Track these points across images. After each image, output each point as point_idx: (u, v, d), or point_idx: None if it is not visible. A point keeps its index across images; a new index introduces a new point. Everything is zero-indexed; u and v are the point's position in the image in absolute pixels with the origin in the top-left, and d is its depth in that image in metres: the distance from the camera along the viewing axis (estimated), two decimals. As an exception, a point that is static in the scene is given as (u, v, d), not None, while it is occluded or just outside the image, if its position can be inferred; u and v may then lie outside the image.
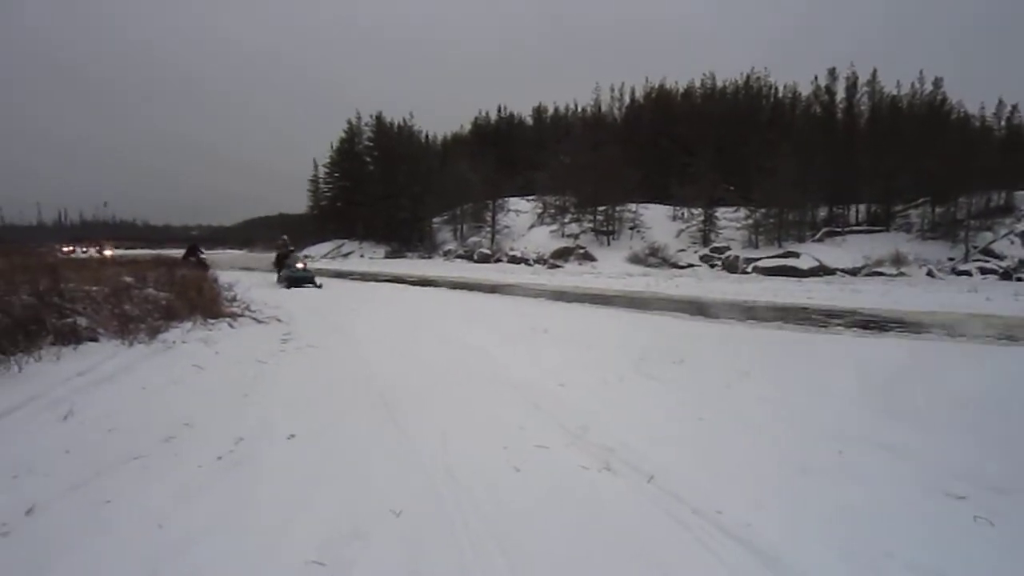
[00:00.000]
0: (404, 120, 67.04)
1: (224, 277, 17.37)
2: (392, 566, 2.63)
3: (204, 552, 2.72)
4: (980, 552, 2.83)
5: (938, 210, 38.43)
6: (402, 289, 21.70)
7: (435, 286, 23.05)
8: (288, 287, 19.01)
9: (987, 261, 32.28)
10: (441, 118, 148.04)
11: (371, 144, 65.67)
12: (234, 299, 12.57)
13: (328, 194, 69.33)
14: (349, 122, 67.35)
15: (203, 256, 26.58)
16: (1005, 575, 2.70)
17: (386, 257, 55.32)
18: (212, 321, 9.86)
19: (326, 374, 6.55)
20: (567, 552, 2.77)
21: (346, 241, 61.54)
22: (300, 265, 20.81)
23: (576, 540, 2.89)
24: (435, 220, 57.62)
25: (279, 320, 10.76)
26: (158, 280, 12.04)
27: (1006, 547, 2.87)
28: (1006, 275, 30.32)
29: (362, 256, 56.45)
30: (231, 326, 9.79)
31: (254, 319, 10.69)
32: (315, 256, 56.59)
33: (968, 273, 31.27)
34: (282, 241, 25.20)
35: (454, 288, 22.49)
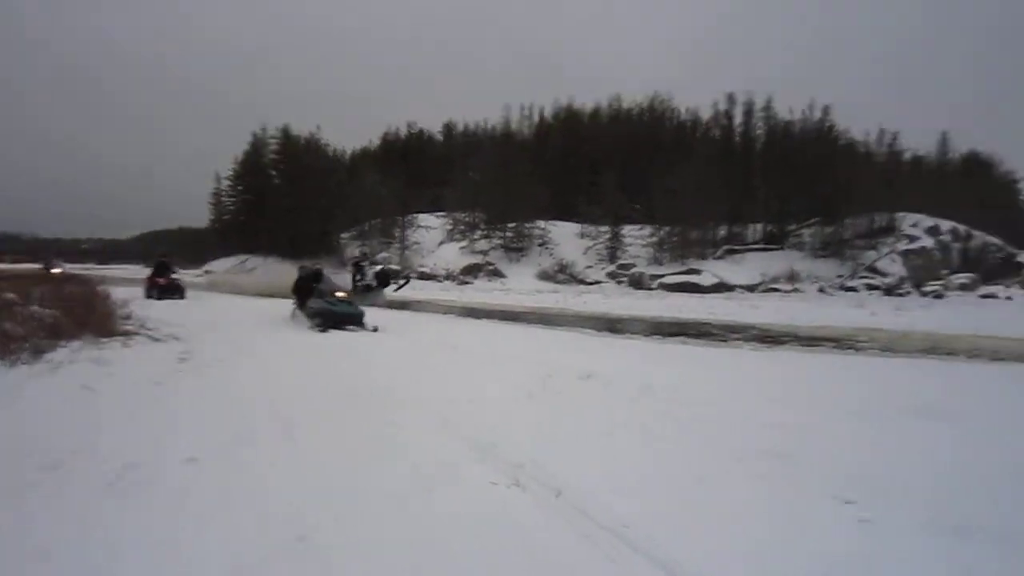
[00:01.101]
0: (311, 133, 65.79)
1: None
2: (296, 593, 2.55)
3: (92, 586, 2.57)
4: (862, 551, 2.99)
5: (828, 230, 40.85)
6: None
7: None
8: (322, 329, 12.27)
9: (872, 278, 34.62)
10: (350, 132, 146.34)
11: (277, 157, 63.97)
12: (128, 316, 11.98)
13: (231, 208, 67.07)
14: (254, 134, 65.44)
15: (176, 278, 22.42)
16: (885, 572, 2.85)
17: (292, 273, 53.82)
18: (104, 340, 9.34)
19: (225, 394, 6.31)
20: (475, 571, 2.76)
21: (250, 256, 59.60)
22: (341, 294, 13.64)
23: (484, 558, 2.87)
24: (343, 235, 56.79)
25: (177, 338, 10.31)
26: (43, 297, 11.38)
27: (886, 546, 3.04)
28: (888, 291, 32.59)
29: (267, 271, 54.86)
30: (125, 345, 9.31)
31: (151, 337, 10.21)
32: (217, 271, 54.75)
33: (855, 289, 33.43)
34: (359, 253, 18.12)
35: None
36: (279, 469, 4.02)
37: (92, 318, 10.34)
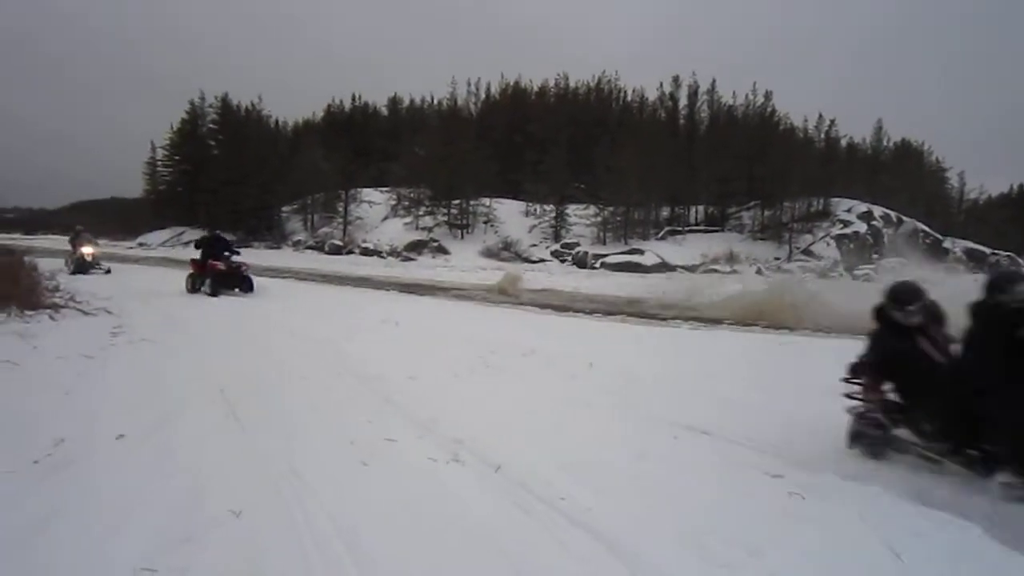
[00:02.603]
0: (252, 103, 63.61)
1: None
2: (230, 571, 2.51)
3: (17, 567, 2.49)
4: (793, 524, 3.07)
5: (766, 213, 41.74)
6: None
7: (282, 277, 22.11)
8: None
9: (807, 260, 35.64)
10: (293, 104, 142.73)
11: (216, 127, 61.78)
12: (56, 288, 11.52)
13: (167, 178, 64.56)
14: (191, 103, 62.78)
15: (239, 260, 14.68)
16: (815, 544, 2.94)
17: (231, 246, 52.30)
18: (30, 313, 8.98)
19: (160, 368, 6.16)
20: (415, 546, 2.76)
21: (187, 228, 57.61)
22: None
23: (424, 533, 2.88)
24: (284, 209, 55.45)
25: (108, 312, 9.98)
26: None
27: (814, 518, 3.14)
28: (822, 274, 33.51)
29: (204, 244, 53.23)
30: (52, 318, 8.98)
31: (80, 311, 9.86)
32: (151, 244, 53.11)
33: (791, 271, 34.22)
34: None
35: (302, 280, 21.73)
36: (214, 444, 3.95)
37: (16, 290, 9.89)
